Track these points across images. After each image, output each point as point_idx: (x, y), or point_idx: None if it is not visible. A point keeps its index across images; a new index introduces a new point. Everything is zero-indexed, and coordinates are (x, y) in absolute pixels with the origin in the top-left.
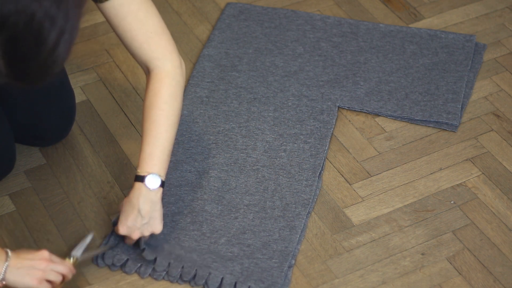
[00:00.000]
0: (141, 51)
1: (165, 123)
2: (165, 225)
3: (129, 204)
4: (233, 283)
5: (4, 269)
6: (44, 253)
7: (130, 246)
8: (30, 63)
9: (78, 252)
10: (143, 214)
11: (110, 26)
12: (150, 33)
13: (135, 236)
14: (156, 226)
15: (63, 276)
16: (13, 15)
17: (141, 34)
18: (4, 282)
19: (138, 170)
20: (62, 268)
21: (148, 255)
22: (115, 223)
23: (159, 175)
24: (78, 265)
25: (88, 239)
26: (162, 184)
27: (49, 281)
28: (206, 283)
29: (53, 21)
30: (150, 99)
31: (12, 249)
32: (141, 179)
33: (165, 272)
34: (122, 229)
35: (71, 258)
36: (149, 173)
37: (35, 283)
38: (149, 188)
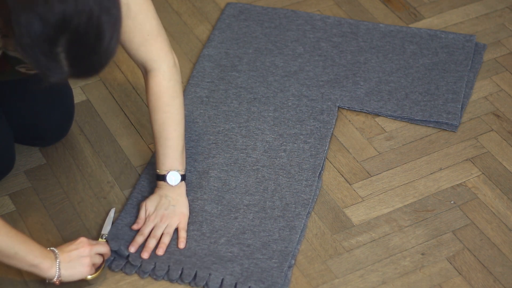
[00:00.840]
0: (138, 53)
1: (172, 123)
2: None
3: (154, 196)
4: (233, 284)
5: (57, 266)
6: (83, 240)
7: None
8: (92, 58)
9: (106, 229)
10: (170, 199)
11: None
12: (147, 35)
13: (165, 219)
14: (183, 209)
15: (103, 257)
16: (75, 16)
17: (138, 36)
18: (60, 279)
19: (158, 170)
20: (103, 248)
21: (113, 244)
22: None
23: (178, 170)
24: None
25: (112, 214)
26: (183, 178)
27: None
28: (206, 284)
29: (109, 13)
30: (153, 103)
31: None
32: (162, 178)
33: (165, 272)
34: (154, 216)
35: (103, 237)
36: (168, 171)
37: (87, 269)
38: (171, 185)
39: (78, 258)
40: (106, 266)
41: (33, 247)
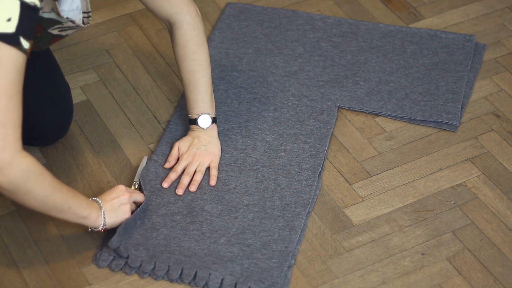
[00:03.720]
0: (162, 8)
1: (199, 69)
2: (165, 225)
3: (187, 137)
4: (233, 284)
5: (103, 215)
6: (121, 187)
7: (128, 248)
8: None
9: (138, 177)
10: (202, 139)
11: None
12: None
13: (197, 157)
14: (214, 149)
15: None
16: None
17: None
18: (105, 227)
19: (189, 115)
20: (139, 196)
21: (114, 243)
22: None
23: (208, 114)
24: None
25: (144, 162)
26: (214, 120)
27: None
28: (206, 284)
29: None
30: (180, 53)
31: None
32: (194, 121)
33: (164, 272)
34: (187, 155)
35: (135, 185)
36: (199, 115)
37: (128, 215)
38: (203, 128)
39: (120, 205)
40: (106, 266)
41: (82, 200)
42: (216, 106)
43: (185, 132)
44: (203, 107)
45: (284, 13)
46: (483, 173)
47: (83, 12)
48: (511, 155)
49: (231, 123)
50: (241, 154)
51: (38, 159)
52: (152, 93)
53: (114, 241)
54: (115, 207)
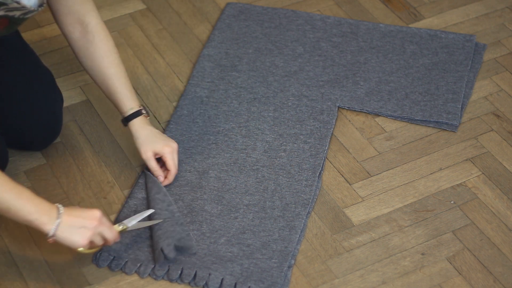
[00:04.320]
0: (81, 6)
1: (121, 64)
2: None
3: (149, 137)
4: (233, 284)
5: (55, 226)
6: (96, 213)
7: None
8: None
9: (131, 222)
10: (158, 131)
11: None
12: None
13: (175, 145)
14: (172, 141)
15: (105, 241)
16: None
17: None
18: (54, 238)
19: (129, 108)
20: (109, 233)
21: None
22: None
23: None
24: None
25: (147, 213)
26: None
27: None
28: (206, 284)
29: None
30: (103, 48)
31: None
32: (138, 113)
33: (164, 272)
34: (167, 148)
35: (121, 226)
36: (140, 106)
37: (84, 242)
38: (146, 116)
39: (80, 227)
40: (106, 265)
41: (28, 203)
42: (216, 106)
43: (185, 132)
44: (136, 100)
45: (284, 13)
46: (483, 173)
47: (39, 5)
48: (511, 155)
49: (231, 123)
50: (241, 154)
51: (38, 159)
52: (152, 93)
53: (170, 253)
54: (74, 224)
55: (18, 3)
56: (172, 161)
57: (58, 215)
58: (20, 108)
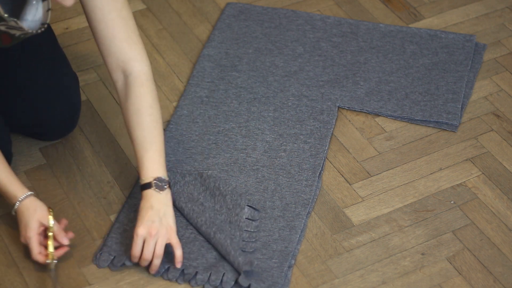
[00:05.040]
0: (121, 50)
1: (156, 127)
2: None
3: (142, 210)
4: (234, 279)
5: (14, 208)
6: (27, 233)
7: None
8: None
9: (53, 265)
10: (158, 209)
11: (90, 20)
12: (131, 32)
13: (153, 231)
14: (170, 221)
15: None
16: None
17: (123, 31)
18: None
19: (143, 178)
20: (32, 252)
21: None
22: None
23: (164, 177)
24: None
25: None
26: (169, 184)
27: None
28: (208, 282)
29: None
30: (136, 106)
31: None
32: (148, 186)
33: (163, 270)
34: (142, 229)
35: (48, 261)
36: (154, 178)
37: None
38: (159, 192)
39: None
40: (106, 266)
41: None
42: (216, 106)
43: (185, 132)
44: (158, 169)
45: (284, 13)
46: (483, 173)
47: (41, 23)
48: (511, 155)
49: (231, 123)
50: (241, 154)
51: (38, 159)
52: None
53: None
54: (20, 221)
55: (16, 22)
56: (134, 245)
57: (18, 200)
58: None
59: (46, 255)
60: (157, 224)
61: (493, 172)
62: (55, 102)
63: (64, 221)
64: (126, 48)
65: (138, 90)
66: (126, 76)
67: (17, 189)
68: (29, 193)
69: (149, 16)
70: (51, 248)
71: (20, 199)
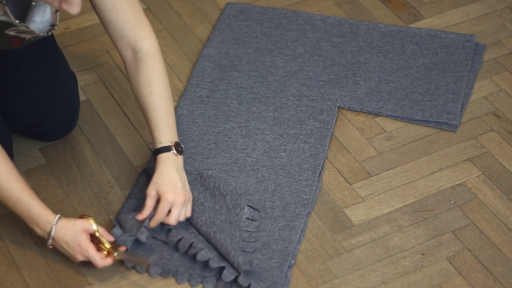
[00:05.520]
0: (131, 32)
1: (168, 96)
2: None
3: (165, 174)
4: (233, 276)
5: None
6: (82, 243)
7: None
8: None
9: (124, 240)
10: (181, 174)
11: (100, 10)
12: (138, 13)
13: (182, 198)
14: (189, 189)
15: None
16: None
17: (132, 15)
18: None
19: (161, 141)
20: (94, 260)
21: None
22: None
23: (178, 142)
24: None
25: (142, 237)
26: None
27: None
28: (206, 282)
29: None
30: (147, 76)
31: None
32: (167, 149)
33: (161, 270)
34: (170, 195)
35: (115, 254)
36: (173, 142)
37: (76, 261)
38: (177, 156)
39: (67, 255)
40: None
41: (24, 214)
42: (216, 106)
43: (185, 132)
44: (174, 135)
45: (284, 13)
46: (483, 173)
47: (51, 25)
48: (511, 155)
49: (231, 123)
50: (241, 154)
51: (38, 159)
52: None
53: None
54: (62, 250)
55: (27, 27)
56: (162, 210)
57: (49, 237)
58: (36, 97)
59: (109, 254)
60: (183, 191)
61: (493, 172)
62: (55, 101)
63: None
64: (136, 30)
65: (149, 62)
66: (136, 52)
67: (48, 215)
68: (58, 216)
69: (149, 16)
70: (107, 245)
71: (54, 223)
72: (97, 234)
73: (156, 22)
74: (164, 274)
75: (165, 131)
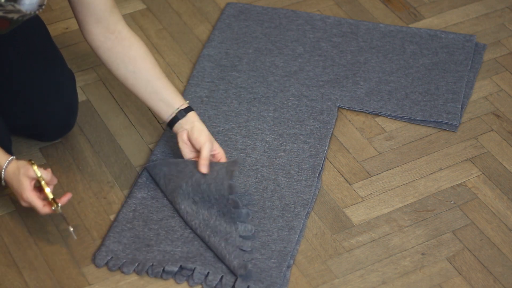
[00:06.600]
0: (111, 15)
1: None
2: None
3: (199, 131)
4: (232, 281)
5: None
6: (23, 194)
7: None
8: None
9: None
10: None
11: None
12: (113, 7)
13: (218, 156)
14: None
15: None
16: None
17: (108, 4)
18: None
19: (180, 104)
20: (36, 207)
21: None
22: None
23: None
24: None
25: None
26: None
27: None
28: (205, 282)
29: None
30: (142, 49)
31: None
32: (190, 108)
33: (162, 268)
34: (210, 145)
35: (54, 207)
36: (188, 103)
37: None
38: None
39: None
40: (103, 265)
41: None
42: (216, 106)
43: None
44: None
45: (284, 13)
46: (483, 173)
47: (39, 5)
48: (511, 155)
49: (231, 123)
50: (241, 154)
51: (38, 159)
52: None
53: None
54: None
55: (13, 6)
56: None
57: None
58: (32, 96)
59: (50, 204)
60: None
61: (493, 172)
62: (53, 101)
63: (49, 170)
64: (114, 13)
65: (133, 39)
66: (117, 34)
67: (1, 158)
68: (11, 158)
69: (149, 16)
70: (50, 195)
71: (4, 167)
72: (41, 181)
73: (156, 22)
74: (165, 275)
75: (178, 94)
